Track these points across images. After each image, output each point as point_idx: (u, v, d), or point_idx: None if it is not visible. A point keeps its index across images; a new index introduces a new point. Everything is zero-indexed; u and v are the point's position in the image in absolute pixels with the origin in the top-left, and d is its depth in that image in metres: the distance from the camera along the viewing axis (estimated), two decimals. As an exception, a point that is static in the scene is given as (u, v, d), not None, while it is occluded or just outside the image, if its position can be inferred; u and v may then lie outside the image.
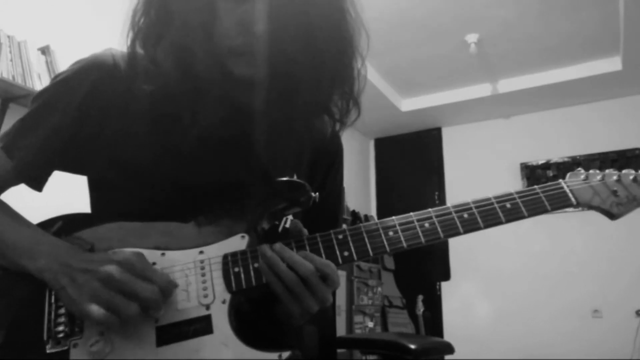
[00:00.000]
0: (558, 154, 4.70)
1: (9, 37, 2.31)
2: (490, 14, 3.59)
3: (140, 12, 0.74)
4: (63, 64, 2.52)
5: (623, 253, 4.17)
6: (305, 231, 0.75)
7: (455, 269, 4.93)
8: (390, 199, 5.44)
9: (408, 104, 4.91)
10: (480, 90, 4.60)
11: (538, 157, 4.76)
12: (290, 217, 0.84)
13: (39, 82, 2.39)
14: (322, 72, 0.73)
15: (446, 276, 4.97)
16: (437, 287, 5.00)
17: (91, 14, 2.87)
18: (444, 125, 5.29)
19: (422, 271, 4.96)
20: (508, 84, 4.50)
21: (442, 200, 5.10)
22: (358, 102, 0.78)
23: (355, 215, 4.78)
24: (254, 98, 0.73)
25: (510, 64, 4.26)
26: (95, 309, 0.61)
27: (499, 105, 4.77)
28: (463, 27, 3.77)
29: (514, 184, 4.77)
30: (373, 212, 5.45)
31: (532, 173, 4.76)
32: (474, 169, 4.99)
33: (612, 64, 4.09)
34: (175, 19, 0.70)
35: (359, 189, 5.33)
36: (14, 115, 2.37)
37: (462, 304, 4.82)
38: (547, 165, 4.72)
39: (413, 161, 5.41)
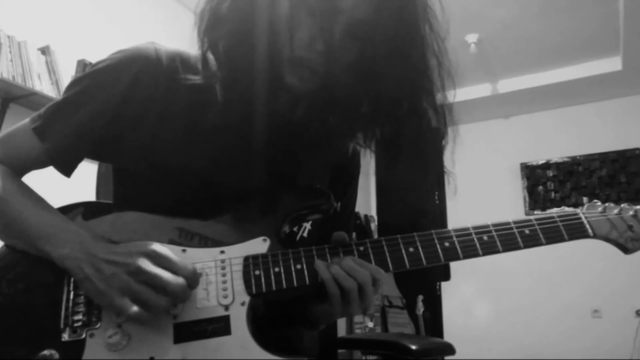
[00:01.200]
0: (558, 154, 4.70)
1: (9, 37, 2.31)
2: (490, 14, 3.59)
3: (209, 10, 0.73)
4: (63, 64, 2.52)
5: (623, 253, 4.16)
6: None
7: (455, 269, 4.91)
8: (391, 199, 5.43)
9: (408, 104, 4.90)
10: (480, 90, 4.60)
11: (538, 157, 4.77)
12: (308, 227, 0.84)
13: (39, 82, 2.39)
14: (375, 104, 0.73)
15: (446, 276, 4.96)
16: (437, 287, 4.99)
17: (91, 14, 2.87)
18: (444, 125, 5.28)
19: (422, 271, 4.94)
20: (508, 84, 4.50)
21: (442, 200, 5.10)
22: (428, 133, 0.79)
23: (355, 215, 4.77)
24: (294, 109, 0.74)
25: (510, 64, 4.26)
26: (128, 304, 0.61)
27: (498, 105, 4.77)
28: (463, 27, 3.77)
29: (514, 184, 4.77)
30: (373, 212, 5.45)
31: (532, 173, 4.76)
32: (474, 169, 4.99)
33: (612, 64, 4.09)
34: (249, 19, 0.70)
35: (359, 189, 5.32)
36: (14, 115, 2.36)
37: (462, 304, 4.82)
38: (547, 165, 4.72)
39: (413, 161, 5.40)
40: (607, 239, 0.80)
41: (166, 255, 0.64)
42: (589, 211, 0.81)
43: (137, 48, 0.77)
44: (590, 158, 4.56)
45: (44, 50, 2.49)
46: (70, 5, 2.77)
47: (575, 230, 0.78)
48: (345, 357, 4.03)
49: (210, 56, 0.74)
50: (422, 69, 0.73)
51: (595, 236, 0.79)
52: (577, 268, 4.35)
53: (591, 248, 4.77)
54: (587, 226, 0.79)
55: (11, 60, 2.29)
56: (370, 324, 4.37)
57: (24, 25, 2.47)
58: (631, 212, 0.81)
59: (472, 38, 3.85)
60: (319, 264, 0.70)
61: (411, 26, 0.71)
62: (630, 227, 0.80)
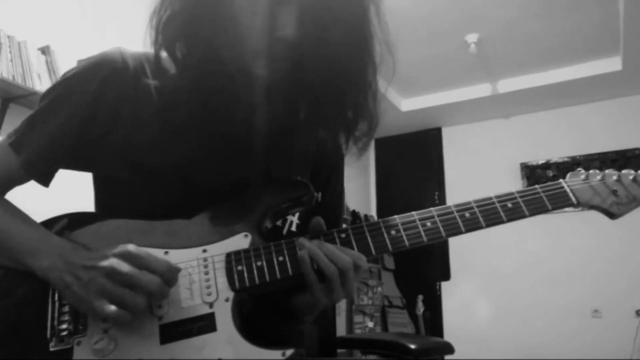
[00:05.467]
0: (558, 154, 4.70)
1: (9, 37, 2.31)
2: (490, 14, 3.59)
3: (164, 7, 0.73)
4: (63, 64, 2.52)
5: (623, 253, 4.17)
6: (325, 228, 0.75)
7: (455, 269, 4.93)
8: (390, 199, 5.44)
9: (408, 104, 4.91)
10: (480, 90, 4.60)
11: (538, 157, 4.77)
12: (295, 221, 0.84)
13: (39, 82, 2.39)
14: (341, 84, 0.73)
15: (446, 276, 4.97)
16: (437, 287, 5.00)
17: (91, 14, 2.87)
18: (444, 125, 5.29)
19: (422, 271, 4.96)
20: (508, 84, 4.50)
21: (442, 200, 5.10)
22: (375, 118, 0.79)
23: (355, 215, 4.78)
24: (268, 100, 0.74)
25: (510, 64, 4.26)
26: (106, 306, 0.62)
27: (498, 105, 4.77)
28: (463, 27, 3.77)
29: (514, 184, 4.77)
30: (373, 212, 5.45)
31: (532, 173, 4.77)
32: (474, 169, 4.99)
33: (612, 64, 4.09)
34: (202, 14, 0.70)
35: (359, 189, 5.33)
36: (14, 115, 2.37)
37: (462, 304, 4.82)
38: (547, 165, 4.72)
39: (413, 161, 5.41)
40: (591, 206, 0.79)
41: (140, 254, 0.65)
42: (572, 179, 0.80)
43: (103, 54, 0.78)
44: (590, 158, 4.56)
45: (44, 50, 2.49)
46: (70, 5, 2.77)
47: (559, 199, 0.77)
48: (345, 357, 4.03)
49: (164, 54, 0.74)
50: (368, 46, 0.74)
51: (578, 204, 0.78)
52: (577, 268, 4.35)
53: (591, 248, 4.76)
54: (570, 194, 0.77)
55: (11, 60, 2.29)
56: (370, 324, 4.37)
57: (24, 25, 2.47)
58: (614, 177, 0.80)
59: (472, 38, 3.85)
60: (301, 253, 0.69)
61: (356, 6, 0.73)
62: (614, 192, 0.79)
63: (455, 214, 0.74)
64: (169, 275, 0.66)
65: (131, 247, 0.65)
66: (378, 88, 0.78)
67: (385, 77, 0.80)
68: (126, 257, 0.64)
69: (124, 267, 0.63)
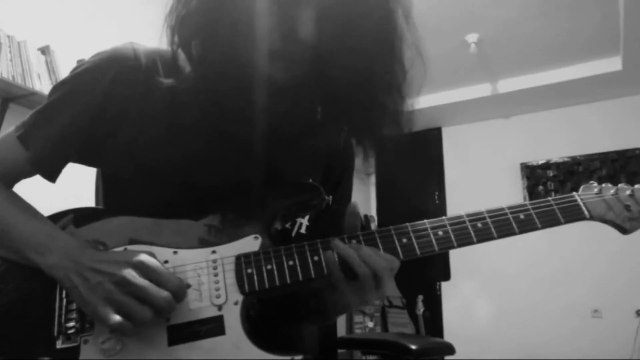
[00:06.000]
0: (558, 154, 4.69)
1: (9, 37, 2.31)
2: (490, 14, 3.59)
3: (180, 6, 0.72)
4: (63, 64, 2.52)
5: (623, 253, 4.16)
6: (361, 215, 0.75)
7: (455, 269, 4.93)
8: (390, 198, 5.44)
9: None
10: (480, 90, 4.60)
11: (538, 157, 4.76)
12: (306, 223, 0.84)
13: (39, 82, 2.39)
14: (363, 87, 0.72)
15: (446, 276, 4.96)
16: (437, 287, 5.00)
17: (91, 14, 2.87)
18: (444, 125, 5.28)
19: (422, 271, 4.95)
20: (508, 84, 4.50)
21: (442, 200, 5.10)
22: (408, 123, 0.78)
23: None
24: (283, 102, 0.73)
25: (510, 64, 4.26)
26: (110, 314, 0.61)
27: (499, 105, 4.77)
28: (463, 27, 3.77)
29: (514, 184, 4.77)
30: (373, 212, 5.45)
31: (532, 173, 4.76)
32: (474, 169, 4.99)
33: (612, 64, 4.09)
34: (219, 15, 0.69)
35: (359, 189, 5.32)
36: (14, 115, 2.36)
37: (462, 304, 4.82)
38: (547, 165, 4.72)
39: (413, 161, 5.40)
40: (603, 220, 0.78)
41: (153, 267, 0.64)
42: (585, 193, 0.79)
43: (116, 49, 0.77)
44: (590, 158, 4.56)
45: (44, 50, 2.49)
46: (70, 5, 2.77)
47: (571, 213, 0.76)
48: (345, 357, 4.03)
49: (182, 54, 0.73)
50: (393, 48, 0.73)
51: (591, 218, 0.77)
52: (578, 268, 4.35)
53: (591, 248, 4.75)
54: (583, 208, 0.77)
55: (11, 60, 2.29)
56: (370, 324, 4.37)
57: (24, 25, 2.47)
58: (628, 192, 0.79)
59: (472, 38, 3.85)
60: (328, 255, 0.69)
61: (381, 8, 0.71)
62: (627, 207, 0.78)
63: (468, 223, 0.74)
64: (179, 292, 0.65)
65: (145, 258, 0.64)
66: (409, 92, 0.76)
67: (416, 80, 0.78)
68: (139, 267, 0.63)
69: (135, 278, 0.62)
